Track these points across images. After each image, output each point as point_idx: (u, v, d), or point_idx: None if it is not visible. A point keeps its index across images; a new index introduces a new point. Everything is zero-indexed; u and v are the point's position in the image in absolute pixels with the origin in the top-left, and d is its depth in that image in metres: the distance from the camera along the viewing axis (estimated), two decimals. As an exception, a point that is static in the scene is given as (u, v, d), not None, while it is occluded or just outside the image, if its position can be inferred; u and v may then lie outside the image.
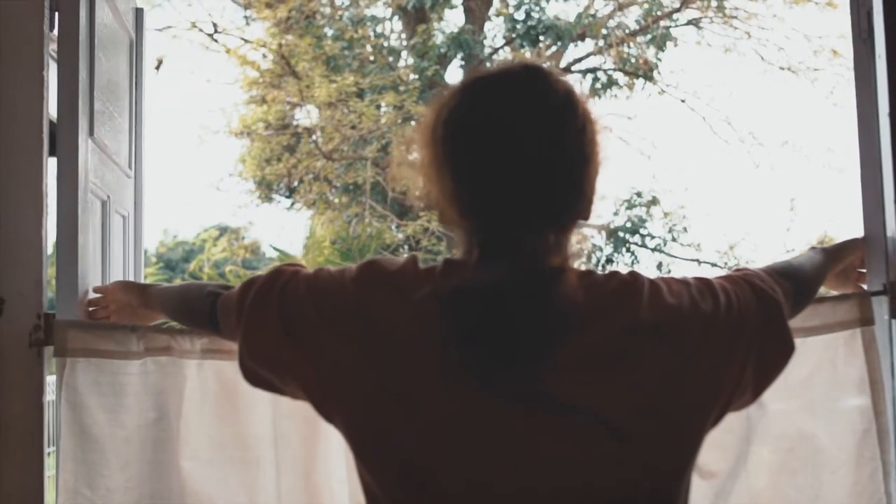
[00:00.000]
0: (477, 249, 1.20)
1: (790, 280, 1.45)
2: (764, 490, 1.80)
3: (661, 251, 14.33)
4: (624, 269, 1.28)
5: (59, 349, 1.72)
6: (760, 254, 13.85)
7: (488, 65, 13.13)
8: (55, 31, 1.85)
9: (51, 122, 1.81)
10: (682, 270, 14.19)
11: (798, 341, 1.34)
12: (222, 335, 1.48)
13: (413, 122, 11.50)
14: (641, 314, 1.19)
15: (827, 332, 1.79)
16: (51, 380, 1.82)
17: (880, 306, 1.79)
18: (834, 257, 1.77)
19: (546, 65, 1.28)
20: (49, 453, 1.83)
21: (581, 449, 1.14)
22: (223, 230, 17.58)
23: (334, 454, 1.79)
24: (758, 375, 1.28)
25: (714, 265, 13.96)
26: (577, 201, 1.22)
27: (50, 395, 1.80)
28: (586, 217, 1.24)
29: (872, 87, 1.85)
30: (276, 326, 1.25)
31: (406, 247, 12.76)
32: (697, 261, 14.15)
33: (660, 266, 14.18)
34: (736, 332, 1.25)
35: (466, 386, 1.15)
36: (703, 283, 1.28)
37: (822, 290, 1.77)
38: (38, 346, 1.71)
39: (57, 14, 1.85)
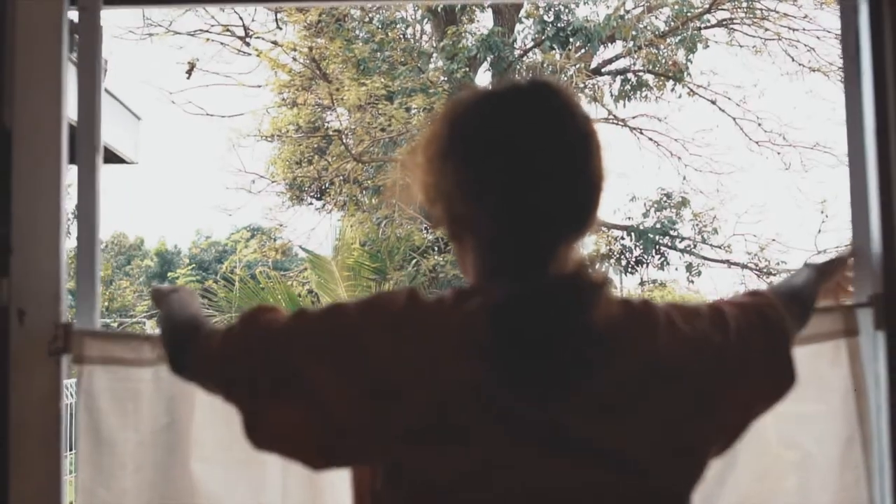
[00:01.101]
0: (512, 264, 1.22)
1: (797, 304, 1.53)
2: (750, 496, 1.84)
3: (690, 253, 14.26)
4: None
5: (76, 357, 1.78)
6: (791, 256, 13.75)
7: (518, 67, 13.18)
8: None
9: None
10: (712, 272, 14.12)
11: None
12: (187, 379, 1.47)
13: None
14: (659, 349, 1.22)
15: (813, 342, 1.83)
16: (70, 383, 1.88)
17: (866, 318, 1.83)
18: (824, 274, 1.80)
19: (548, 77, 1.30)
20: (76, 452, 1.90)
21: (595, 482, 1.16)
22: (255, 231, 17.70)
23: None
24: (760, 403, 1.35)
25: (744, 267, 13.87)
26: (595, 211, 1.26)
27: (69, 399, 1.87)
28: (592, 227, 1.27)
29: (861, 105, 1.88)
30: (273, 398, 1.24)
31: (435, 248, 12.81)
32: (727, 262, 14.06)
33: (689, 267, 14.10)
34: (743, 363, 1.30)
35: (487, 418, 1.14)
36: (715, 312, 1.32)
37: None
38: (57, 354, 1.76)
39: (76, 36, 1.91)
